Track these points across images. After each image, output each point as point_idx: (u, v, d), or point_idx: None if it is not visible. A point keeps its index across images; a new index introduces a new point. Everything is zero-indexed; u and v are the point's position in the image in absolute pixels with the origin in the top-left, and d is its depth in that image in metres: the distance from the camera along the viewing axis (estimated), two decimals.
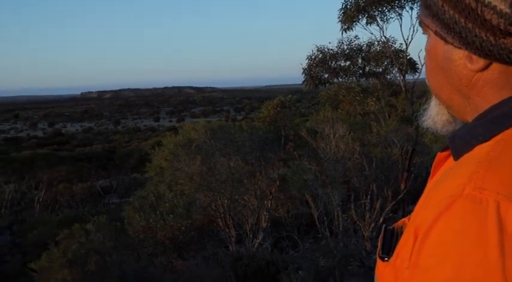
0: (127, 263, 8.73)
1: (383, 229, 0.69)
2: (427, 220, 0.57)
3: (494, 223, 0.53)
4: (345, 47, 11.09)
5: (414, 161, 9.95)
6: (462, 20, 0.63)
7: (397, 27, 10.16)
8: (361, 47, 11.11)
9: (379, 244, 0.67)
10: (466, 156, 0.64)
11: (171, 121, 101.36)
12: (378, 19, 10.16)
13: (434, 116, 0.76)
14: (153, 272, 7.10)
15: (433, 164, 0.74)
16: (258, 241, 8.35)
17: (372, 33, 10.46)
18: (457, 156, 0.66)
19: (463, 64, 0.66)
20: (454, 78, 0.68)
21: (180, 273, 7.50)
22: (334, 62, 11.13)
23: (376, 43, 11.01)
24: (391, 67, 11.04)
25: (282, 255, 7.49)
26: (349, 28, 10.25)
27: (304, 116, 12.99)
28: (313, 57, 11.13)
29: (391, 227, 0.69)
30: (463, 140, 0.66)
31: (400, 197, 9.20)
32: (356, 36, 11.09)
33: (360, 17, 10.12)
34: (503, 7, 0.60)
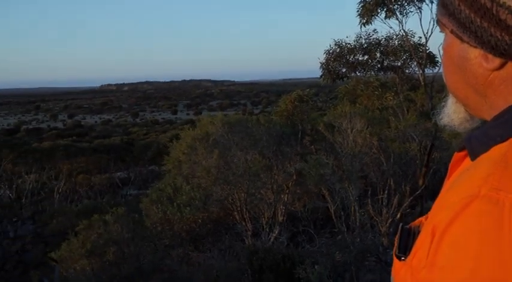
0: (144, 254, 8.87)
1: (400, 228, 0.70)
2: (444, 220, 0.57)
3: (511, 223, 0.53)
4: (363, 41, 10.99)
5: (433, 157, 9.83)
6: (478, 20, 0.64)
7: (416, 20, 10.03)
8: (380, 41, 10.99)
9: (395, 243, 0.68)
10: (483, 156, 0.64)
11: (188, 114, 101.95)
12: (397, 13, 10.04)
13: (452, 113, 0.77)
14: (170, 264, 7.19)
15: (450, 164, 0.75)
16: (274, 235, 8.39)
17: (390, 27, 10.35)
18: (473, 156, 0.66)
19: (479, 63, 0.67)
20: (470, 77, 0.68)
21: (196, 265, 7.58)
22: (352, 56, 11.04)
23: (395, 37, 10.88)
24: (410, 61, 10.90)
25: (298, 249, 7.51)
26: (367, 22, 10.15)
27: (322, 110, 12.95)
28: (330, 51, 11.07)
29: (408, 226, 0.69)
30: (479, 140, 0.66)
31: (418, 192, 9.11)
32: (374, 30, 10.98)
33: (379, 10, 10.01)
34: None
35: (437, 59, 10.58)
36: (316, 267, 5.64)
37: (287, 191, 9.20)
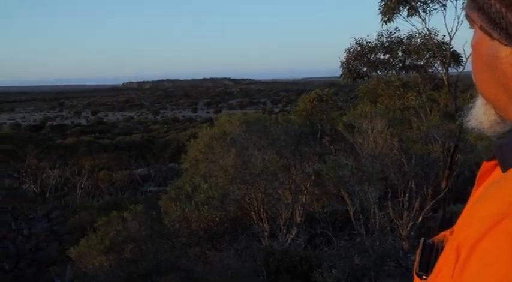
0: (162, 251, 8.89)
1: (421, 243, 0.66)
2: (471, 237, 0.54)
3: None
4: (385, 40, 10.78)
5: (456, 159, 9.58)
6: (509, 15, 0.58)
7: (440, 18, 9.75)
8: (402, 40, 10.77)
9: (416, 259, 0.64)
10: None
11: (208, 112, 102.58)
12: (420, 10, 9.81)
13: (481, 115, 0.71)
14: (186, 264, 7.17)
15: (478, 174, 0.69)
16: (291, 236, 8.29)
17: (413, 25, 10.12)
18: (504, 168, 0.60)
19: (510, 62, 0.61)
20: (501, 76, 0.63)
21: (212, 264, 7.54)
22: (373, 55, 10.85)
23: (418, 35, 10.64)
24: (433, 60, 10.66)
25: (315, 252, 7.40)
26: (389, 20, 9.96)
27: (342, 109, 12.78)
28: (351, 50, 10.90)
29: (430, 241, 0.65)
30: (511, 149, 0.60)
31: (440, 195, 8.89)
32: (396, 28, 10.75)
33: (401, 8, 9.80)
34: None
35: (461, 58, 10.31)
36: (333, 271, 5.53)
37: (305, 191, 9.08)
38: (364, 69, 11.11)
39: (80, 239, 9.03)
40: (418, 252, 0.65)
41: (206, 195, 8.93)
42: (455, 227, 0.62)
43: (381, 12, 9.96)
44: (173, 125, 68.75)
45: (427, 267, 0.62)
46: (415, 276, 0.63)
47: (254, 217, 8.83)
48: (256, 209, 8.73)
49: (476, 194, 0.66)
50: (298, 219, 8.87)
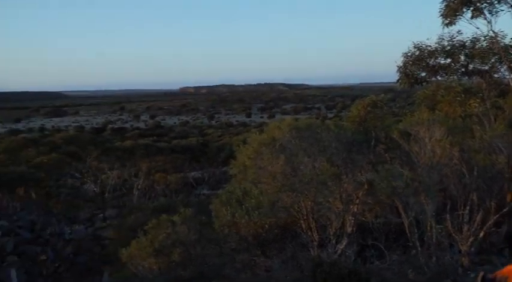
0: (209, 256, 8.88)
1: (480, 277, 0.50)
2: None
3: None
4: (446, 43, 10.26)
5: None
6: None
7: (507, 20, 9.13)
8: (465, 43, 10.20)
9: None
10: None
11: (262, 117, 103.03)
12: (486, 12, 9.24)
13: None
14: (230, 273, 7.08)
15: None
16: (341, 247, 7.98)
17: (477, 28, 9.56)
18: None
19: None
20: None
21: (258, 273, 7.41)
22: (432, 60, 10.35)
23: (483, 38, 10.03)
24: (499, 65, 10.01)
25: (365, 265, 7.05)
26: (451, 23, 9.47)
27: (398, 116, 12.27)
28: (409, 54, 10.47)
29: (491, 276, 0.49)
30: None
31: (505, 210, 8.25)
32: (459, 31, 10.21)
33: (464, 10, 9.28)
34: None
35: None
36: None
37: (357, 201, 8.72)
38: (423, 74, 10.64)
39: (120, 245, 9.25)
40: None
41: (257, 200, 8.82)
42: None
43: (442, 15, 9.49)
44: (227, 130, 69.69)
45: None
46: None
47: (303, 226, 8.59)
48: (305, 217, 8.49)
49: None
50: (349, 230, 8.53)
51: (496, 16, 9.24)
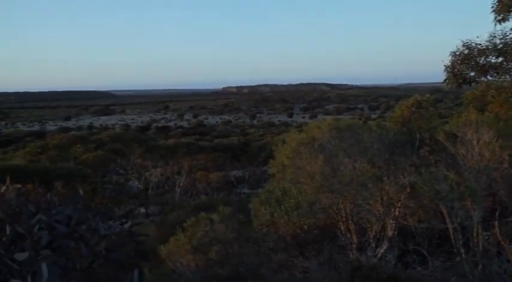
0: (247, 255, 8.87)
1: None
2: None
3: None
4: (498, 41, 9.74)
5: None
6: None
7: None
8: None
9: None
10: None
11: (304, 117, 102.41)
12: None
13: None
14: (266, 273, 7.03)
15: None
16: (381, 251, 7.75)
17: None
18: None
19: None
20: None
21: (294, 274, 7.32)
22: (483, 58, 9.86)
23: None
24: None
25: (406, 270, 6.81)
26: (504, 19, 9.00)
27: (444, 117, 11.79)
28: (457, 53, 10.01)
29: None
30: None
31: None
32: None
33: None
34: None
35: None
36: None
37: (399, 204, 8.45)
38: (472, 73, 10.16)
39: (164, 239, 9.39)
40: None
41: (296, 200, 8.74)
42: None
43: (494, 11, 9.03)
44: (268, 129, 69.77)
45: None
46: None
47: (342, 227, 8.42)
48: (344, 219, 8.32)
49: None
50: (390, 233, 8.28)
51: None
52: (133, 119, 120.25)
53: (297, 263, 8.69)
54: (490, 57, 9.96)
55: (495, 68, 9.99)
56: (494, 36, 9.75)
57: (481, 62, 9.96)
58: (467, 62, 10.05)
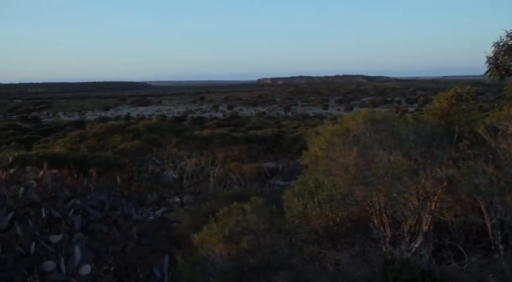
0: (278, 246, 8.89)
1: None
2: None
3: None
4: None
5: None
6: None
7: None
8: None
9: None
10: None
11: (339, 109, 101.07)
12: None
13: None
14: (297, 264, 7.02)
15: None
16: (415, 246, 7.59)
17: None
18: None
19: None
20: None
21: (325, 266, 7.28)
22: None
23: None
24: None
25: (441, 266, 6.64)
26: None
27: (486, 111, 11.34)
28: (500, 44, 9.59)
29: None
30: None
31: None
32: None
33: None
34: None
35: None
36: None
37: (435, 198, 8.24)
38: None
39: (197, 228, 9.53)
40: None
41: (329, 193, 8.67)
42: None
43: None
44: (303, 121, 69.32)
45: None
46: None
47: (375, 221, 8.29)
48: (377, 212, 8.19)
49: None
50: (425, 228, 8.10)
51: None
52: (169, 109, 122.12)
53: (328, 255, 8.63)
54: None
55: None
56: None
57: None
58: (511, 53, 9.62)
